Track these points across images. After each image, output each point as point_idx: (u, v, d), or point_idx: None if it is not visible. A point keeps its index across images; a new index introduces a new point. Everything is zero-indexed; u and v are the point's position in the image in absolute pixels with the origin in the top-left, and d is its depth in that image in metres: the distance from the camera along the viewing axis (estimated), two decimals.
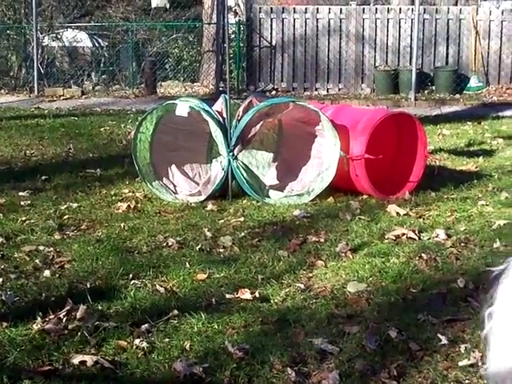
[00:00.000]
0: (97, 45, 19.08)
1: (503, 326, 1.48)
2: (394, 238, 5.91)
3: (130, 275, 5.06)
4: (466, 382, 3.65)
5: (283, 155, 7.90)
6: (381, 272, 5.14)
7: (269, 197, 7.35)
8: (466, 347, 3.95)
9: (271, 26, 17.59)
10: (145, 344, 3.99)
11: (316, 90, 17.54)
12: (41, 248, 5.68)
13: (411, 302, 4.62)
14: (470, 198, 7.19)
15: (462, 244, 5.77)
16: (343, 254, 5.53)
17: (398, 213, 6.65)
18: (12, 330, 4.16)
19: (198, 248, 5.70)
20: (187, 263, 5.32)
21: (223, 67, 16.83)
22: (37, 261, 5.38)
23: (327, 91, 17.45)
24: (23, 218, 6.53)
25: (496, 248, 5.62)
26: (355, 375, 3.69)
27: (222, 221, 6.53)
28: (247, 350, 3.92)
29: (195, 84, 18.18)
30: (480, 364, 3.68)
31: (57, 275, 5.10)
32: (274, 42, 17.61)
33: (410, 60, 16.62)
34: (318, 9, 17.69)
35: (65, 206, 6.95)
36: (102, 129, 11.49)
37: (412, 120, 7.65)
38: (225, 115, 7.35)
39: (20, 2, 19.00)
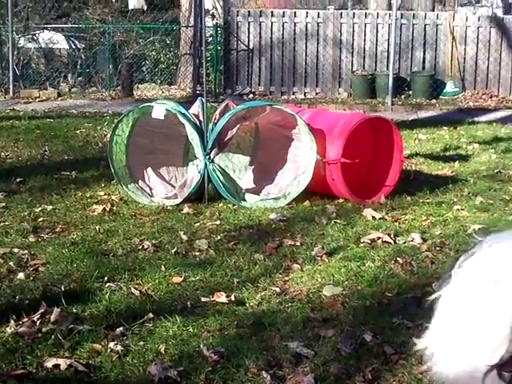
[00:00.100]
0: (73, 46, 18.96)
1: (444, 336, 1.51)
2: (369, 241, 5.92)
3: (105, 278, 5.04)
4: None
5: (260, 159, 7.90)
6: (356, 276, 5.15)
7: (245, 200, 7.35)
8: None
9: (249, 29, 17.58)
10: (119, 347, 3.98)
11: (293, 93, 17.55)
12: (15, 250, 5.64)
13: (386, 306, 4.63)
14: (446, 203, 7.22)
15: (438, 248, 5.80)
16: (319, 258, 5.54)
17: (373, 217, 6.67)
18: None
19: (173, 251, 5.69)
20: (163, 266, 5.30)
21: (200, 70, 16.78)
22: (11, 263, 5.35)
23: (304, 95, 17.46)
24: None
25: None
26: (330, 379, 3.69)
27: (198, 224, 6.52)
28: (222, 354, 3.91)
29: (172, 87, 18.13)
30: None
31: (31, 278, 5.07)
32: (251, 46, 17.60)
33: (387, 65, 16.67)
34: (295, 13, 17.69)
35: (40, 209, 6.91)
36: (77, 131, 11.43)
37: (388, 124, 7.68)
38: (201, 118, 7.34)
39: None
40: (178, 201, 7.26)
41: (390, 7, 17.51)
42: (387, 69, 16.55)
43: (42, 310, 4.37)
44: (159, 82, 18.37)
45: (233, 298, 4.72)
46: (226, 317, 4.43)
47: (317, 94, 17.54)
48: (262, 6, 19.62)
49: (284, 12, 17.73)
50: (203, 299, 4.71)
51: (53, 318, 4.31)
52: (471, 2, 20.20)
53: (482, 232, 1.68)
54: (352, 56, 17.42)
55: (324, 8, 19.33)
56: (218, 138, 7.24)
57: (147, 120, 7.48)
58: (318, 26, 17.40)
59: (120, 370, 3.77)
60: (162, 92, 17.52)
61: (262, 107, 7.51)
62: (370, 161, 7.83)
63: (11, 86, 16.80)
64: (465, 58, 17.11)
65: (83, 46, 18.70)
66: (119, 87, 17.36)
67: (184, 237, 6.06)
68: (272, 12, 17.76)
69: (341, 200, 7.29)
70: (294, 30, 17.46)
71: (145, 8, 21.31)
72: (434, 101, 16.44)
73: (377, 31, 17.31)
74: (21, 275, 5.09)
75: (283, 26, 17.48)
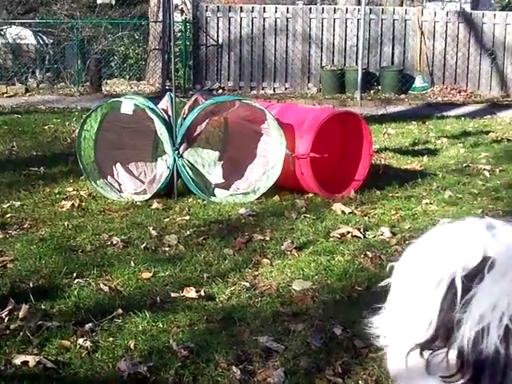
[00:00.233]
0: (41, 42, 18.81)
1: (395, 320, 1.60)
2: (339, 236, 5.93)
3: (74, 274, 5.01)
4: None
5: (229, 153, 7.88)
6: (326, 270, 5.15)
7: (214, 195, 7.33)
8: None
9: (218, 24, 17.55)
10: (88, 343, 3.95)
11: (263, 88, 17.55)
12: None
13: (356, 300, 4.64)
14: (415, 197, 7.25)
15: (407, 242, 5.81)
16: (289, 252, 5.54)
17: (343, 211, 6.68)
18: None
19: (142, 247, 5.66)
20: (132, 262, 5.28)
21: (169, 66, 16.73)
22: None
23: (274, 90, 17.47)
24: None
25: None
26: (300, 373, 3.69)
27: (168, 219, 6.49)
28: (192, 349, 3.90)
29: (141, 82, 18.07)
30: None
31: None
32: (220, 41, 17.57)
33: (356, 60, 16.73)
34: (264, 8, 17.70)
35: (7, 205, 6.85)
36: (46, 127, 11.34)
37: (357, 119, 7.69)
38: (170, 113, 7.31)
39: None
40: (147, 196, 7.23)
41: (358, 2, 17.55)
42: (356, 64, 16.61)
43: (10, 307, 4.34)
44: (128, 77, 18.30)
45: (202, 293, 4.71)
46: (196, 312, 4.42)
47: (286, 89, 17.55)
48: (231, 1, 19.59)
49: (253, 7, 17.72)
50: (173, 294, 4.69)
51: (21, 314, 4.28)
52: None
53: None
54: (321, 51, 17.45)
55: (293, 3, 19.34)
56: (187, 133, 7.21)
57: (116, 115, 7.44)
58: (287, 21, 17.42)
59: (89, 366, 3.75)
60: (131, 87, 17.45)
61: (231, 102, 7.50)
62: (339, 155, 7.84)
63: None
64: (433, 53, 17.20)
65: (51, 41, 18.57)
66: (88, 83, 17.26)
67: (153, 232, 6.04)
68: (241, 7, 17.74)
69: (310, 194, 7.29)
70: (264, 26, 17.47)
71: (113, 2, 21.20)
72: (403, 96, 16.53)
73: (346, 26, 17.36)
74: None
75: (252, 21, 17.47)
